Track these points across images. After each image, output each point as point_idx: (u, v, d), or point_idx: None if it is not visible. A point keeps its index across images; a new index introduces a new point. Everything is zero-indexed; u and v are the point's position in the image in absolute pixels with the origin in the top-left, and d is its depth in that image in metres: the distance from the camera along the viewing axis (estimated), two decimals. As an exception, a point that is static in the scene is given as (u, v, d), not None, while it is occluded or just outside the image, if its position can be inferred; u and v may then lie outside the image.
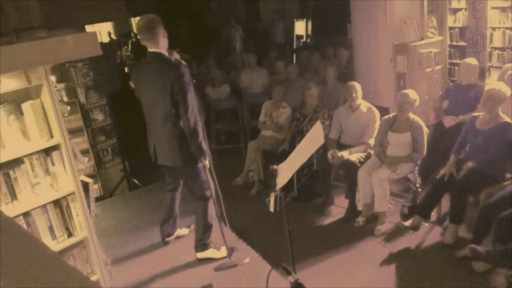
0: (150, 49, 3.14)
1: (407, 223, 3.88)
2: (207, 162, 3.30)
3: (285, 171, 2.81)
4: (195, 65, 8.03)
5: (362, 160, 4.24)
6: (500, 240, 3.14)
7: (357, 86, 4.39)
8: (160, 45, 3.11)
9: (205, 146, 3.20)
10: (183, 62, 3.13)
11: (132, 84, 3.65)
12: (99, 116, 5.29)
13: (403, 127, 4.02)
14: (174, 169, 3.47)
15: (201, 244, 3.62)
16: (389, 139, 4.07)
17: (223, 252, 3.62)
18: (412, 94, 4.00)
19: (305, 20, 10.49)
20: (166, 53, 3.15)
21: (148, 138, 3.42)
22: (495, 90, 3.55)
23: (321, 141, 2.73)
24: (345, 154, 4.23)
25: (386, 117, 4.19)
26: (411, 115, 4.02)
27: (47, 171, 2.41)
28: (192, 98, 3.07)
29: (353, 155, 4.26)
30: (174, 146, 3.21)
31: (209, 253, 3.64)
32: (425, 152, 4.00)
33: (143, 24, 3.09)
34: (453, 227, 3.61)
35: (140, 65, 3.33)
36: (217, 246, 3.69)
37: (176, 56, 3.22)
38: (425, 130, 4.04)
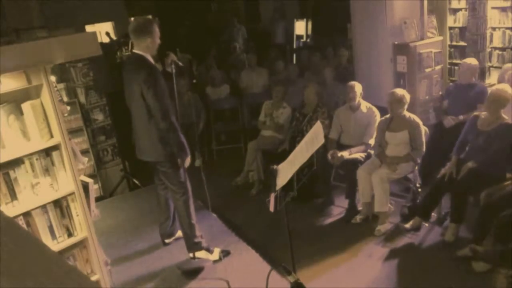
0: (134, 50, 3.27)
1: (408, 224, 3.88)
2: (188, 160, 3.37)
3: (285, 171, 2.81)
4: (195, 65, 8.02)
5: (362, 160, 4.24)
6: (500, 240, 3.15)
7: (357, 86, 4.38)
8: (144, 48, 3.21)
9: (184, 142, 3.28)
10: (179, 62, 3.33)
11: None
12: (99, 116, 5.29)
13: (400, 126, 4.02)
14: (155, 164, 3.53)
15: (192, 243, 3.62)
16: (387, 139, 4.07)
17: (215, 255, 3.63)
18: (399, 91, 4.00)
19: (305, 20, 10.48)
20: (148, 56, 3.24)
21: (133, 133, 3.56)
22: (501, 92, 3.54)
23: (321, 141, 2.74)
24: (345, 154, 4.23)
25: (383, 117, 4.20)
26: (407, 114, 4.02)
27: (47, 171, 2.41)
28: (162, 98, 3.16)
29: (354, 155, 4.27)
30: (150, 142, 3.34)
31: (202, 254, 3.64)
32: (424, 150, 4.00)
33: (133, 26, 3.23)
34: (454, 226, 3.61)
35: (124, 64, 3.42)
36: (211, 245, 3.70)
37: (172, 57, 3.35)
38: (423, 128, 4.03)
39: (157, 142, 3.30)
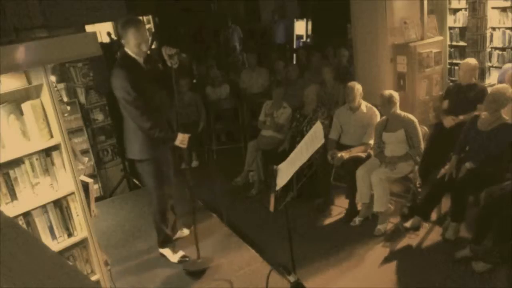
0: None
1: (407, 224, 3.89)
2: (179, 138, 3.35)
3: (285, 171, 2.82)
4: (195, 65, 8.02)
5: (363, 158, 4.24)
6: (500, 240, 3.15)
7: (358, 86, 4.38)
8: (128, 47, 3.24)
9: (162, 134, 3.28)
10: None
11: None
12: (99, 116, 5.29)
13: (395, 126, 4.04)
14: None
15: (159, 241, 3.72)
16: (385, 139, 4.08)
17: (176, 257, 3.67)
18: (386, 92, 4.04)
19: (305, 20, 10.48)
20: (134, 55, 3.24)
21: None
22: (501, 92, 3.54)
23: (321, 141, 2.74)
24: (345, 154, 4.23)
25: (379, 119, 4.23)
26: (402, 113, 4.04)
27: (47, 171, 2.41)
28: (132, 100, 3.16)
29: (354, 155, 4.27)
30: (127, 139, 3.42)
31: (166, 252, 3.71)
32: (422, 147, 4.00)
33: (118, 27, 3.28)
34: (455, 225, 3.62)
35: None
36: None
37: (169, 51, 3.22)
38: (419, 126, 4.03)
39: (131, 138, 3.36)
